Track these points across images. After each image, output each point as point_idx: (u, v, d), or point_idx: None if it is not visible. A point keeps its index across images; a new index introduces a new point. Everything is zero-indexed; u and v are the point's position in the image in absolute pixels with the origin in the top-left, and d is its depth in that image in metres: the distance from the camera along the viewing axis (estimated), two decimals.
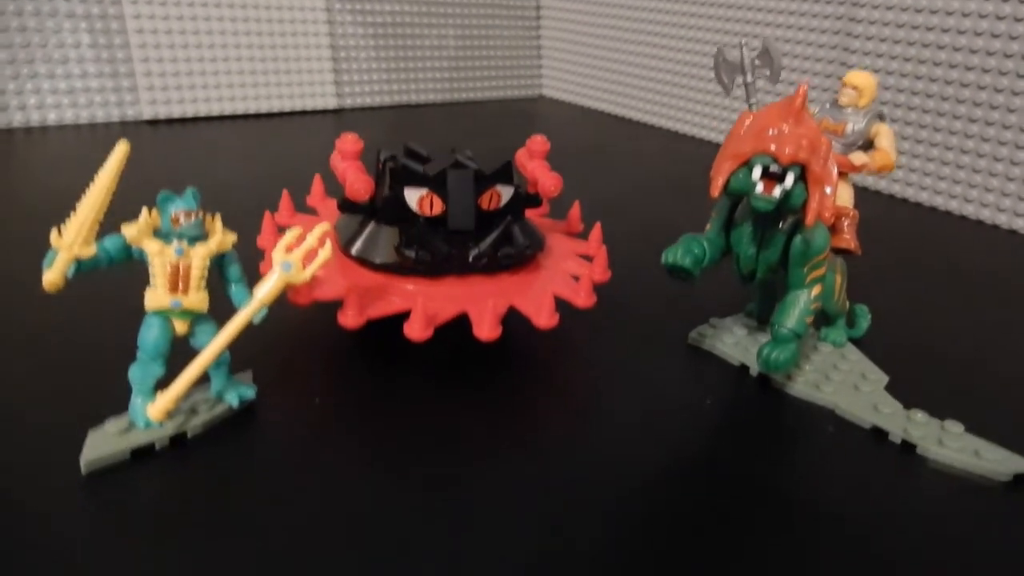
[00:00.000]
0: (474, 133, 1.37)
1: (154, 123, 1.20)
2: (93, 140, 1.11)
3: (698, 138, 1.35)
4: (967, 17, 0.93)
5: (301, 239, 0.44)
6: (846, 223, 0.49)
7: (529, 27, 1.70)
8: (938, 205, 1.00)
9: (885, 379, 0.53)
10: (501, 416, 0.48)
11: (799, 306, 0.47)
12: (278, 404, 0.47)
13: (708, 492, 0.42)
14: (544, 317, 0.50)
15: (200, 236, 0.41)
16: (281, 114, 1.34)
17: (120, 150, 0.39)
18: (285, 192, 0.61)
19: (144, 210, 0.41)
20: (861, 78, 0.50)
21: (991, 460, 0.44)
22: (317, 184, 0.65)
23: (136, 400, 0.42)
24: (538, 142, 0.59)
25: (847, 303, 0.56)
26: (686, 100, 1.38)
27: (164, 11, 1.17)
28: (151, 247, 0.40)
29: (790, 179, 0.40)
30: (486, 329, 0.48)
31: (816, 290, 0.47)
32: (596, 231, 0.60)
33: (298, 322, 0.57)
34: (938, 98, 0.98)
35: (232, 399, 0.45)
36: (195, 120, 1.24)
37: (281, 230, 0.58)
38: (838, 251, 0.49)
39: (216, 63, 1.24)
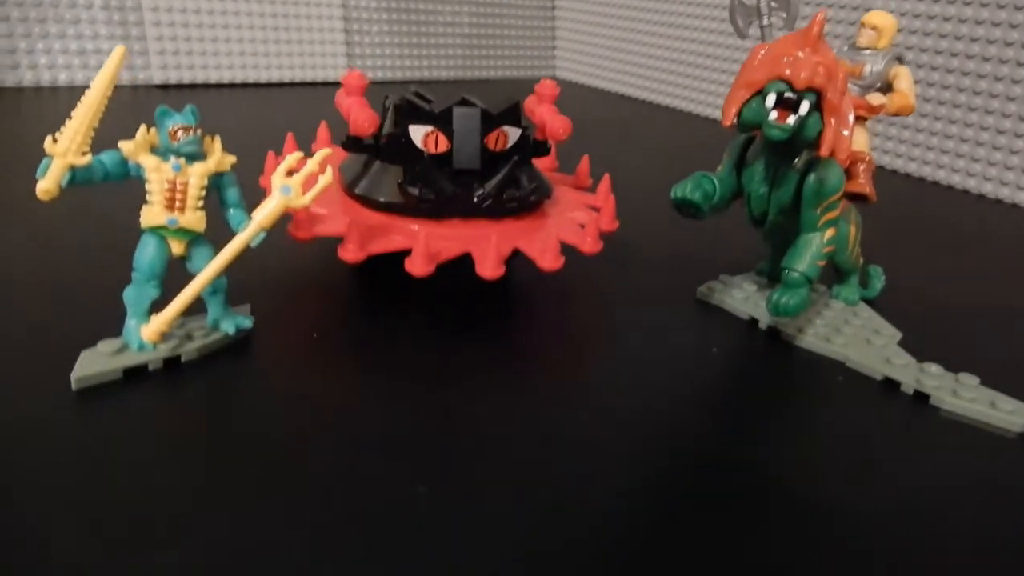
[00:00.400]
0: None
1: (164, 87, 1.19)
2: None
3: (712, 119, 1.34)
4: None
5: (302, 163, 0.43)
6: (861, 168, 0.47)
7: (544, 7, 1.69)
8: (955, 183, 0.98)
9: (898, 335, 0.51)
10: (502, 366, 0.46)
11: (811, 249, 0.45)
12: (276, 337, 0.46)
13: (714, 442, 0.40)
14: (548, 259, 0.49)
15: (198, 155, 0.40)
16: (291, 84, 1.33)
17: (116, 54, 0.38)
18: (290, 135, 0.60)
19: (143, 126, 0.40)
20: (881, 18, 0.48)
21: (1007, 411, 0.42)
22: (323, 131, 0.64)
23: (131, 322, 0.41)
24: (548, 86, 0.57)
25: (861, 259, 0.55)
26: (700, 80, 1.36)
27: None
28: (148, 162, 0.39)
29: (805, 106, 0.39)
30: (489, 267, 0.47)
31: (829, 233, 0.46)
32: (604, 183, 0.59)
33: (303, 259, 0.56)
34: (958, 72, 0.96)
35: (228, 327, 0.44)
36: (205, 87, 1.23)
37: None
38: (853, 197, 0.48)
39: (228, 30, 1.23)
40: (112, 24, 1.14)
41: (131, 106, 1.13)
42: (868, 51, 0.49)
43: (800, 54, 0.39)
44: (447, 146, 0.50)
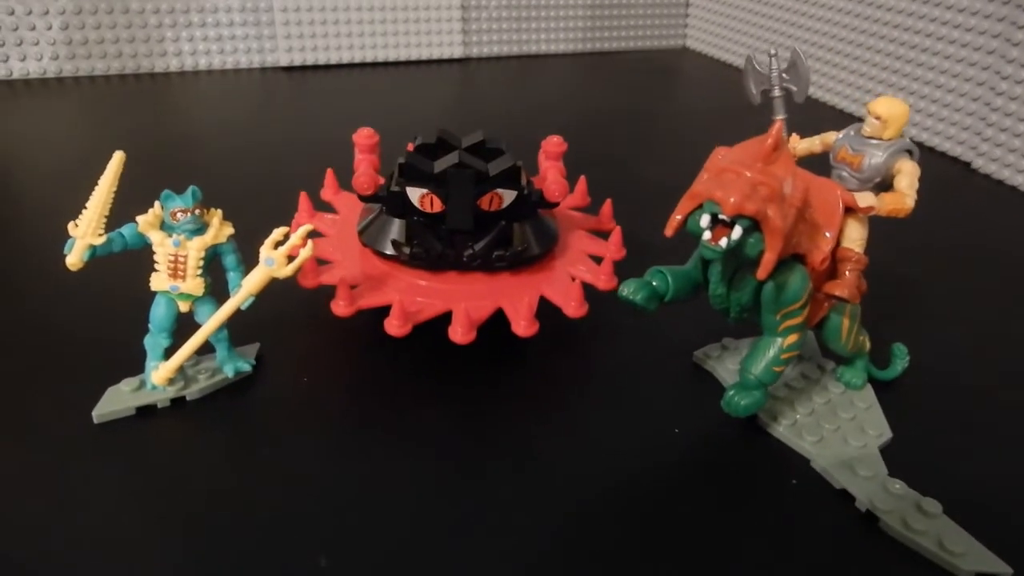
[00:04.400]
0: (606, 86, 1.34)
1: (289, 69, 1.29)
2: (237, 84, 1.23)
3: (857, 116, 1.22)
4: None
5: (286, 237, 0.48)
6: (848, 267, 0.44)
7: None
8: None
9: (887, 436, 0.48)
10: (484, 420, 0.50)
11: (768, 354, 0.44)
12: (277, 379, 0.53)
13: (641, 522, 0.42)
14: (522, 326, 0.51)
15: (198, 229, 0.46)
16: (408, 62, 1.38)
17: (116, 159, 0.44)
18: (330, 172, 0.66)
19: (156, 204, 0.47)
20: (887, 106, 0.43)
21: (954, 552, 0.40)
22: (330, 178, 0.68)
23: (150, 364, 0.49)
24: (553, 143, 0.58)
25: (867, 343, 0.51)
26: (848, 72, 1.23)
27: None
28: (155, 237, 0.46)
29: (737, 231, 0.37)
30: (459, 333, 0.50)
31: (791, 339, 0.44)
32: (616, 235, 0.59)
33: (316, 304, 0.61)
34: None
35: (229, 370, 0.51)
36: (327, 67, 1.32)
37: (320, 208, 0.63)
38: (832, 297, 0.45)
39: (349, 12, 1.30)
40: (245, 11, 1.24)
41: (260, 86, 1.24)
42: (874, 140, 0.45)
43: (748, 173, 0.37)
44: (442, 207, 0.53)
